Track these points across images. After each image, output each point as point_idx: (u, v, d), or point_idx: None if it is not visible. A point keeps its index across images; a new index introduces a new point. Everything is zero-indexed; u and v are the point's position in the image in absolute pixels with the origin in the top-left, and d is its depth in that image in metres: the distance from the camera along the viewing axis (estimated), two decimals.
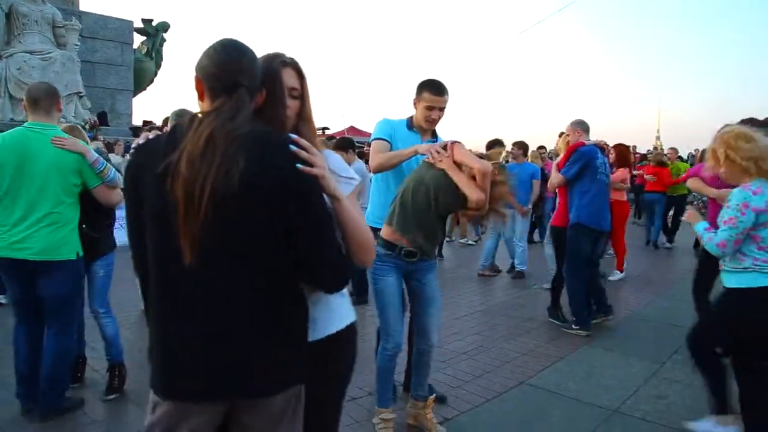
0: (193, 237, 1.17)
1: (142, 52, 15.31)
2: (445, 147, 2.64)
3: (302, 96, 1.49)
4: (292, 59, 1.50)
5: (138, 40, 15.29)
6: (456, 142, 2.65)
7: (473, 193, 2.50)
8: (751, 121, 3.05)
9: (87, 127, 10.99)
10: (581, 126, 4.81)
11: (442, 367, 3.82)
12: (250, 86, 1.32)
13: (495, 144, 6.25)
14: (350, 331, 1.55)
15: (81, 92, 11.91)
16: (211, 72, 1.30)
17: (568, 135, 4.90)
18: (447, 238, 9.52)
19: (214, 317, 1.21)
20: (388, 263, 2.68)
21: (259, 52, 1.42)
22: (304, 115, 1.49)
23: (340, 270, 1.32)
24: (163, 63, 15.76)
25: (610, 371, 3.75)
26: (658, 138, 31.96)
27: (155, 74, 15.65)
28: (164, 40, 15.81)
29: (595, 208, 4.53)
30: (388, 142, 2.94)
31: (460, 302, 5.66)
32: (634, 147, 13.94)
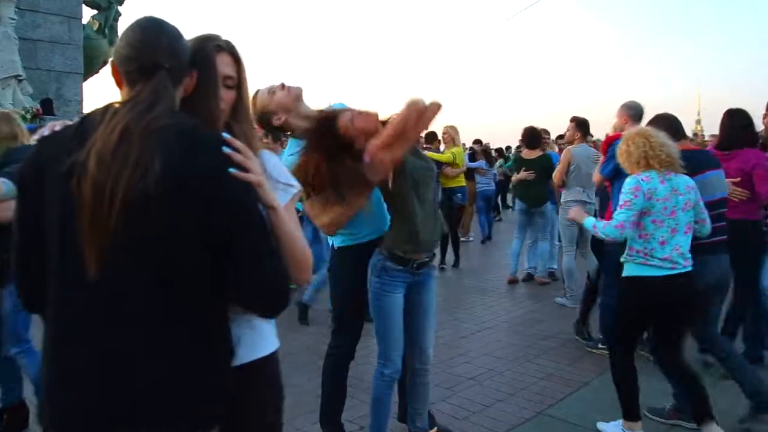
0: (100, 247, 1.16)
1: (93, 28, 15.21)
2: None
3: (239, 86, 1.49)
4: (228, 42, 1.49)
5: (88, 14, 15.20)
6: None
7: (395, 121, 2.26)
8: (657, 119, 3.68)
9: (28, 116, 10.89)
10: (630, 111, 4.49)
11: (445, 395, 3.80)
12: (174, 69, 1.30)
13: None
14: (273, 360, 1.57)
15: (20, 75, 11.78)
16: (125, 54, 1.29)
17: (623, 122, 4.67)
18: (463, 239, 9.53)
19: (115, 341, 1.19)
20: (398, 278, 2.72)
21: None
22: (240, 109, 1.50)
23: (279, 293, 1.30)
24: (118, 41, 15.66)
25: (644, 400, 3.71)
26: (698, 122, 31.77)
27: (109, 54, 15.59)
28: (119, 14, 15.70)
29: None
30: None
31: (466, 318, 5.64)
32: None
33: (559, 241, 6.50)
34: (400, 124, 2.25)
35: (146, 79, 1.26)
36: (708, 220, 3.13)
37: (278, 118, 2.54)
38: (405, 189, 2.61)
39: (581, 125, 6.08)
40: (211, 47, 1.44)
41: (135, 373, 1.18)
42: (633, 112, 4.52)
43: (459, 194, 8.07)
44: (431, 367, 2.94)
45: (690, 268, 3.01)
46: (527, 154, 7.00)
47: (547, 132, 7.99)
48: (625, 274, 3.09)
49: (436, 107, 2.25)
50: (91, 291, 1.18)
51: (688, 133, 5.08)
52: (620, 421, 3.17)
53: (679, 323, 3.11)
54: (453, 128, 8.11)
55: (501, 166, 12.66)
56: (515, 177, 7.08)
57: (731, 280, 3.59)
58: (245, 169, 1.25)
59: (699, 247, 3.14)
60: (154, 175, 1.14)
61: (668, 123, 3.56)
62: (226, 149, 1.25)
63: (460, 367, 4.33)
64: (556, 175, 5.99)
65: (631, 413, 3.12)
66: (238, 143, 1.28)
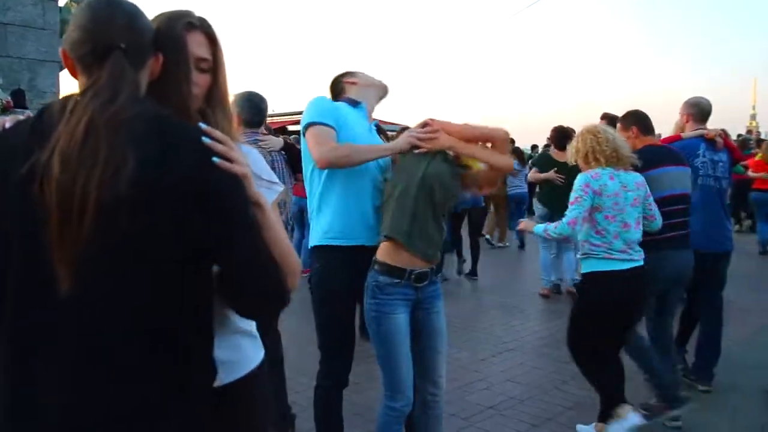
0: (72, 259, 1.13)
1: (71, 11, 15.25)
2: (424, 125, 2.76)
3: (215, 70, 1.47)
4: (202, 20, 1.47)
5: None
6: (432, 119, 2.79)
7: (500, 160, 2.75)
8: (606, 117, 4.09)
9: None
10: (691, 109, 4.45)
11: (461, 425, 3.77)
12: (132, 49, 1.26)
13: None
14: (259, 372, 1.61)
15: None
16: (75, 38, 1.25)
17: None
18: (500, 244, 9.45)
19: (88, 365, 1.17)
20: (396, 296, 2.65)
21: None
22: (215, 94, 1.48)
23: (277, 292, 1.32)
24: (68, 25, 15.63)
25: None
26: (753, 117, 31.13)
27: None
28: None
29: (701, 222, 4.17)
30: (334, 129, 2.72)
31: (484, 338, 5.62)
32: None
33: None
34: (476, 131, 2.78)
35: (102, 63, 1.23)
36: (657, 216, 3.55)
37: None
38: (416, 191, 2.63)
39: (692, 107, 5.73)
40: (181, 26, 1.41)
41: (109, 400, 1.17)
42: (695, 110, 4.47)
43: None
44: (444, 394, 2.88)
45: (641, 262, 3.42)
46: (558, 155, 6.92)
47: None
48: (589, 270, 3.46)
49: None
50: (62, 311, 1.16)
51: (741, 129, 5.00)
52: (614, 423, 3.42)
53: (632, 315, 3.52)
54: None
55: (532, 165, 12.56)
56: (540, 176, 7.00)
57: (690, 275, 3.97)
58: (229, 161, 1.24)
59: (660, 242, 3.63)
60: (127, 175, 1.12)
61: (636, 119, 4.03)
62: (205, 140, 1.23)
63: (478, 394, 4.30)
64: None
65: (608, 415, 3.45)
66: (218, 133, 1.27)
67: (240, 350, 1.56)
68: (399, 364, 2.66)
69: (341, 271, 2.77)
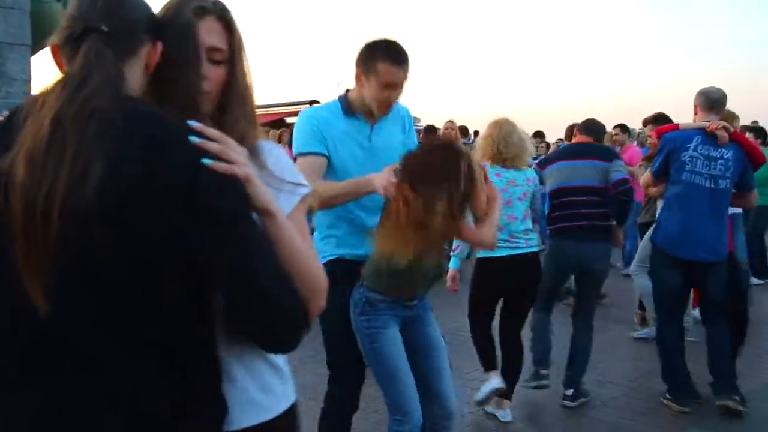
0: (41, 277, 1.04)
1: None
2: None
3: (231, 61, 1.31)
4: (217, 3, 1.32)
5: None
6: (452, 123, 3.08)
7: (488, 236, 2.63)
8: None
9: None
10: (699, 99, 4.17)
11: None
12: (116, 32, 1.15)
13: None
14: (289, 419, 1.40)
15: None
16: (62, 26, 1.17)
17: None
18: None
19: (69, 393, 1.11)
20: (386, 312, 2.56)
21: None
22: (232, 91, 1.32)
23: (289, 321, 1.19)
24: None
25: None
26: None
27: None
28: None
29: (676, 222, 4.07)
30: (325, 156, 2.56)
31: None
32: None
33: None
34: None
35: (79, 49, 1.13)
36: (539, 209, 4.12)
37: None
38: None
39: (701, 96, 5.01)
40: (190, 10, 1.27)
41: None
42: (702, 99, 4.17)
43: None
44: (455, 420, 2.68)
45: (532, 249, 3.81)
46: None
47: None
48: (478, 256, 3.92)
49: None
50: (41, 335, 1.10)
51: None
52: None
53: (525, 298, 3.94)
54: (452, 123, 7.70)
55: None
56: None
57: (602, 266, 4.23)
58: (226, 162, 1.12)
59: (554, 232, 4.20)
60: (96, 176, 1.01)
61: (581, 125, 4.50)
62: (194, 139, 1.10)
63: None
64: (646, 180, 4.65)
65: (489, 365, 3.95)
66: (212, 131, 1.14)
67: (264, 388, 1.35)
68: (401, 380, 2.54)
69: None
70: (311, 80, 56.58)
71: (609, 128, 8.70)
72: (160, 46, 1.23)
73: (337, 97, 2.70)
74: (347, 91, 2.69)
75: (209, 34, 1.28)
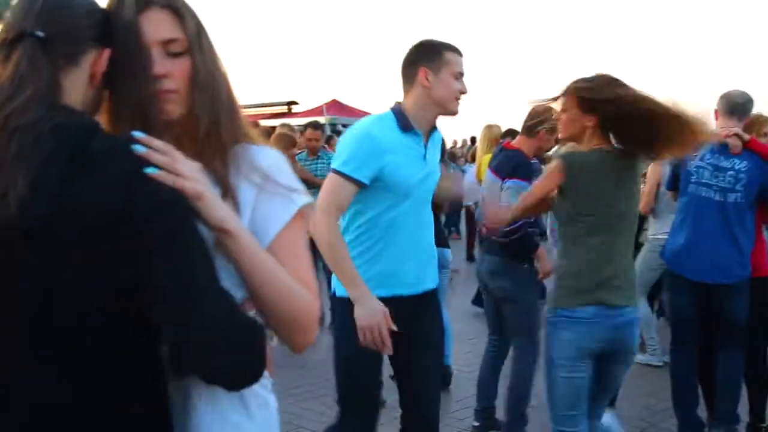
0: None
1: None
2: None
3: (191, 50, 1.17)
4: None
5: None
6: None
7: None
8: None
9: None
10: (719, 103, 3.71)
11: None
12: (54, 38, 1.04)
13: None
14: None
15: None
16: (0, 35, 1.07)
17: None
18: None
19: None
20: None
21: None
22: (199, 81, 1.17)
23: (236, 357, 1.03)
24: None
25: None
26: None
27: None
28: None
29: (682, 237, 3.67)
30: (364, 186, 2.31)
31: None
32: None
33: None
34: None
35: (11, 56, 1.04)
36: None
37: None
38: None
39: (720, 100, 4.70)
40: (129, 6, 1.13)
41: None
42: (721, 103, 3.73)
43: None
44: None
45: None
46: None
47: None
48: None
49: None
50: None
51: None
52: None
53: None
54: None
55: None
56: None
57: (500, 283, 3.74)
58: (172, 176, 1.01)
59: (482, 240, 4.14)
60: (18, 199, 0.93)
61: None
62: (138, 148, 1.00)
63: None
64: (642, 199, 4.44)
65: None
66: (157, 142, 1.02)
67: (228, 425, 1.19)
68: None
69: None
70: (289, 82, 55.46)
71: None
72: (106, 53, 1.12)
73: (390, 110, 2.46)
74: (398, 103, 2.48)
75: (157, 26, 1.15)
